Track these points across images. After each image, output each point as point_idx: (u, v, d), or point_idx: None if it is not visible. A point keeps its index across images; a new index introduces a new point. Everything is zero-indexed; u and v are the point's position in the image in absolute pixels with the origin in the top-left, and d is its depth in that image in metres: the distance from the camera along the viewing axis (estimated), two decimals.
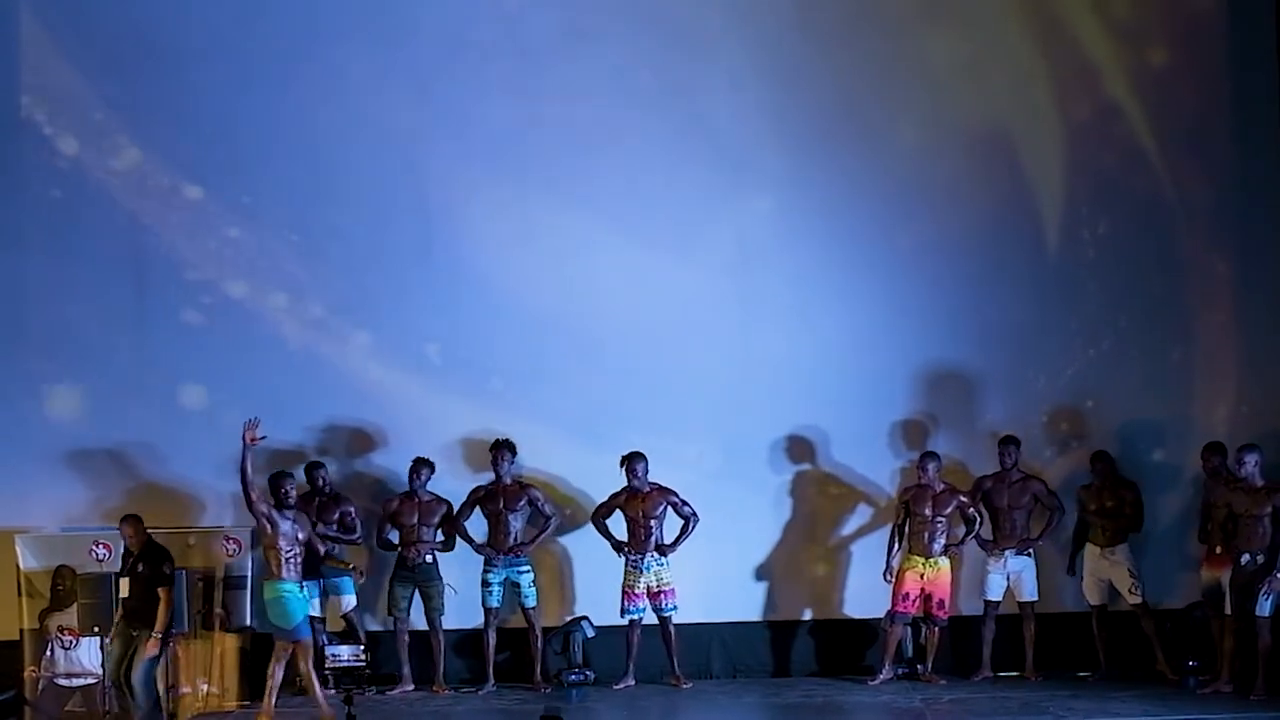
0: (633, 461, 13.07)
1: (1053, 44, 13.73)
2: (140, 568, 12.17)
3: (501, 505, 13.20)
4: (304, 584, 11.99)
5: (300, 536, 11.96)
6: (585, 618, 13.40)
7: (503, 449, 13.21)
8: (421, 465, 13.21)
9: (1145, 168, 13.70)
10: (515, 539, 13.20)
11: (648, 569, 13.08)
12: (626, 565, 13.11)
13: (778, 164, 13.67)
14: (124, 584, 12.23)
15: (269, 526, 11.86)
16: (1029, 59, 13.73)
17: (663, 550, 13.09)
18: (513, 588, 13.21)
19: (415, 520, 13.15)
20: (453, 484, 13.42)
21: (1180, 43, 13.72)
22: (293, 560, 11.86)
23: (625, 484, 13.12)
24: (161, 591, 12.06)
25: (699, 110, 13.68)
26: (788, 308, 13.65)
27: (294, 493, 12.26)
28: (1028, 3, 13.77)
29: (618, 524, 13.22)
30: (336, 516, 13.21)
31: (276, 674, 11.89)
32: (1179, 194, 13.68)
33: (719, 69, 13.69)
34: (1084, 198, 13.70)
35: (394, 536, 13.22)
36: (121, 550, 12.49)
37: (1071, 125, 13.73)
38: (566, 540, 13.58)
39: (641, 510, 13.08)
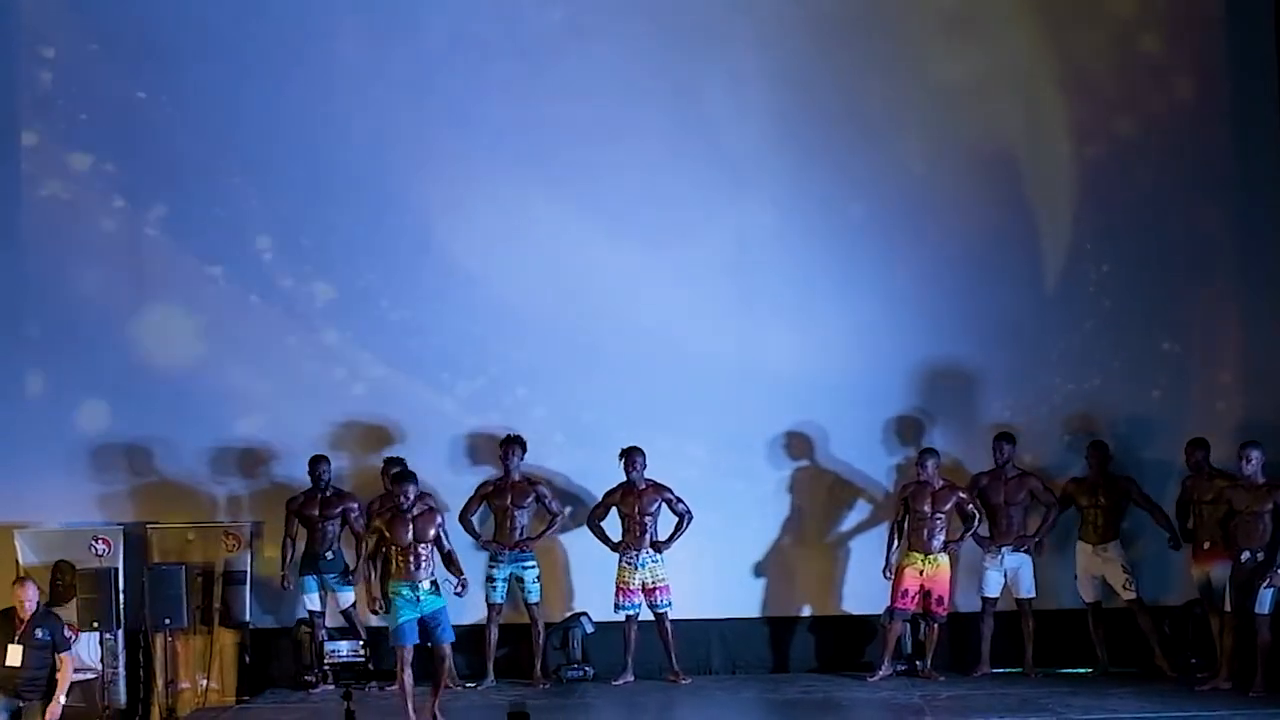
0: (632, 455, 13.08)
1: (1064, 62, 13.70)
2: (39, 634, 11.71)
3: (509, 501, 13.22)
4: (419, 585, 11.48)
5: (429, 533, 11.56)
6: (584, 613, 13.41)
7: (513, 445, 13.24)
8: (395, 463, 13.15)
9: (1145, 164, 13.69)
10: (521, 534, 13.22)
11: (642, 565, 13.09)
12: (621, 561, 13.12)
13: (778, 163, 13.68)
14: (13, 652, 11.68)
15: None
16: (1038, 70, 13.70)
17: (657, 547, 13.10)
18: (517, 583, 13.22)
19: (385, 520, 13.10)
20: (453, 480, 13.46)
21: (1195, 76, 13.70)
22: (410, 560, 11.49)
23: (621, 480, 13.14)
24: (63, 658, 11.71)
25: (700, 109, 13.68)
26: (787, 305, 13.66)
27: (411, 494, 11.78)
28: (1040, 20, 13.70)
29: (612, 522, 13.23)
30: (339, 512, 13.21)
31: (403, 680, 11.50)
32: (1180, 194, 13.65)
33: (720, 68, 13.69)
34: (1084, 201, 13.68)
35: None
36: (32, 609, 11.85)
37: (1072, 124, 13.72)
38: (566, 537, 13.58)
39: (637, 506, 13.09)
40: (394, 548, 11.56)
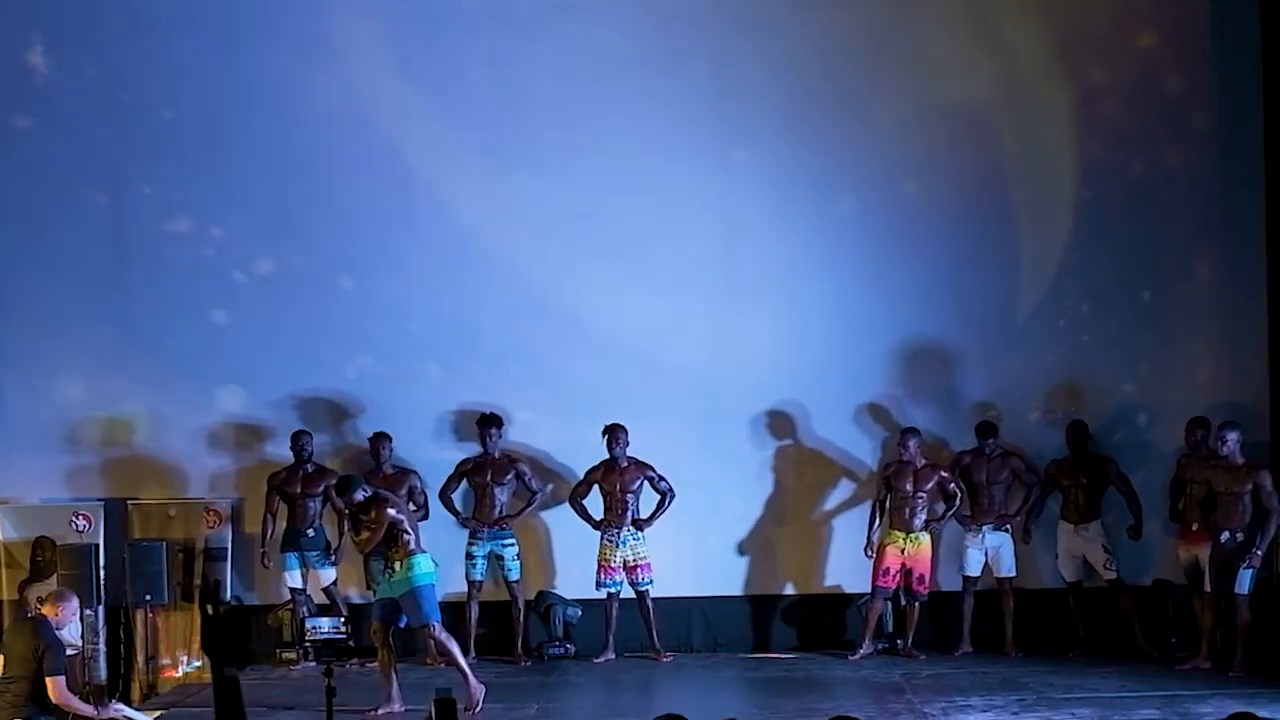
0: (615, 432, 13.08)
1: (1077, 89, 13.65)
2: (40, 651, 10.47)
3: (488, 478, 13.21)
4: (390, 565, 11.30)
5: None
6: (544, 591, 13.44)
7: (490, 423, 13.22)
8: (383, 439, 13.17)
9: (1133, 151, 13.63)
10: (500, 512, 13.21)
11: (624, 543, 13.09)
12: (602, 539, 13.12)
13: (763, 140, 13.59)
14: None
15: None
16: (1048, 92, 13.65)
17: (639, 525, 13.10)
18: (496, 560, 13.22)
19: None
20: (439, 456, 13.42)
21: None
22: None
23: (603, 457, 13.13)
24: (53, 681, 10.43)
25: (684, 85, 13.57)
26: (769, 282, 13.62)
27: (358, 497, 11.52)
28: (1058, 44, 13.60)
29: (594, 499, 13.23)
30: (321, 490, 13.18)
31: (380, 657, 11.42)
32: (1164, 175, 13.60)
33: (705, 45, 13.60)
34: (1071, 189, 13.62)
35: None
36: None
37: (1066, 107, 13.66)
38: (547, 514, 13.58)
39: (618, 484, 13.09)
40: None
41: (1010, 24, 13.64)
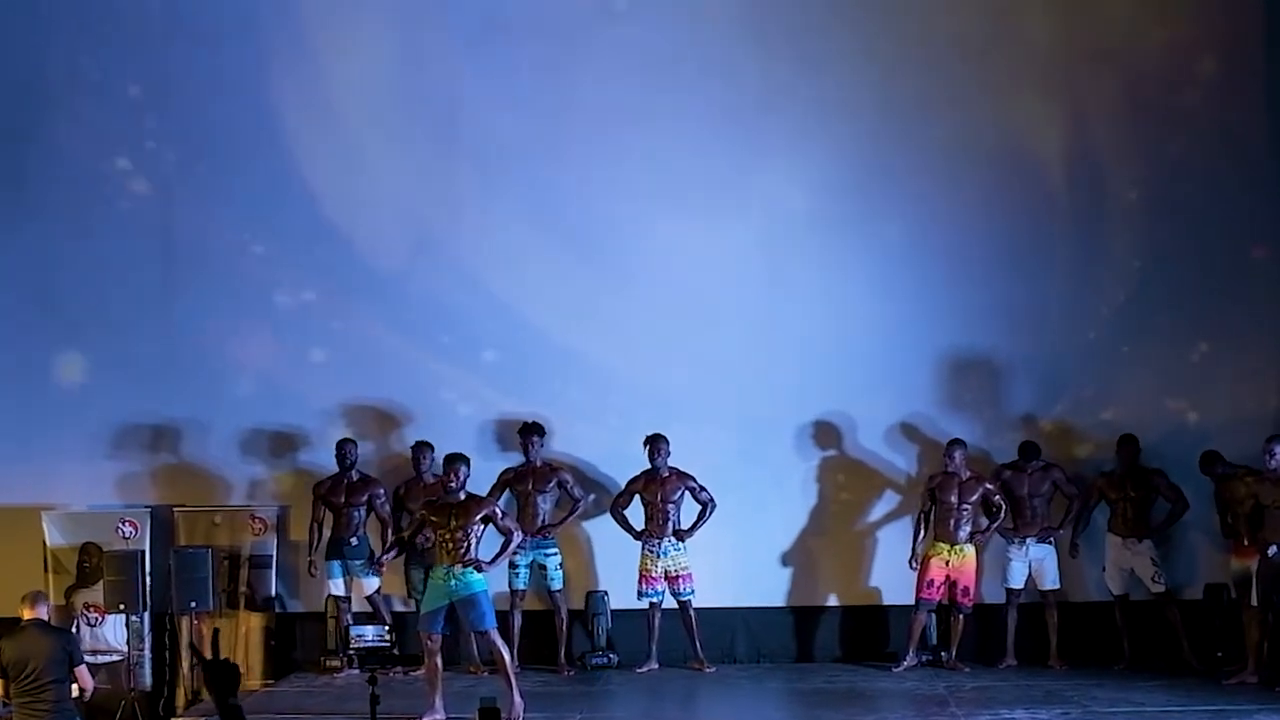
0: (656, 443, 13.06)
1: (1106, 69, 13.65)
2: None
3: (531, 486, 13.22)
4: (452, 570, 11.32)
5: (474, 518, 11.36)
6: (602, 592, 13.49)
7: (531, 432, 13.22)
8: (425, 447, 13.17)
9: (1182, 163, 13.58)
10: (543, 520, 13.21)
11: (665, 554, 13.07)
12: (644, 549, 13.11)
13: (809, 147, 13.60)
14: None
15: None
16: (1081, 68, 13.61)
17: (680, 535, 13.09)
18: (539, 570, 13.22)
19: (423, 503, 13.03)
20: (482, 465, 13.36)
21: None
22: (447, 545, 11.33)
23: (644, 468, 13.12)
24: (82, 670, 10.68)
25: (731, 92, 13.58)
26: (815, 293, 13.59)
27: (462, 476, 11.52)
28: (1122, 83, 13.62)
29: (635, 510, 13.22)
30: (365, 498, 13.22)
31: (430, 667, 11.48)
32: (1217, 190, 13.54)
33: (751, 51, 13.59)
34: (1120, 198, 13.59)
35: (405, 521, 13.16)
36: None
37: (1104, 120, 13.63)
38: (589, 524, 13.57)
39: (660, 494, 13.08)
40: (435, 532, 11.45)
41: (1086, 81, 13.59)
